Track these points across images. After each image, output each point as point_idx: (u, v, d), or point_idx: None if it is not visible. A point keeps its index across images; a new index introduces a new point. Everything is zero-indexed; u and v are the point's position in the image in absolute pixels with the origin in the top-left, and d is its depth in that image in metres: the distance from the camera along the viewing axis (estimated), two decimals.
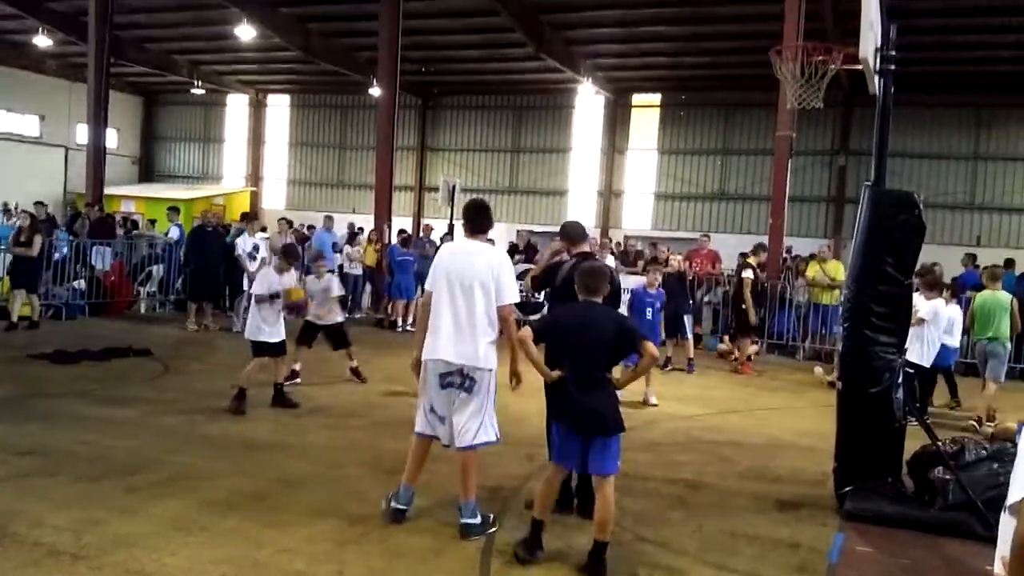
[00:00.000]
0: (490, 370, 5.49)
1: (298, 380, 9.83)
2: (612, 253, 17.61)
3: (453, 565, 4.97)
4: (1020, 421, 7.14)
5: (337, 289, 10.48)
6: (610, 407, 5.01)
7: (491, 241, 6.53)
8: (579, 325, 5.08)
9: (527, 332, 5.11)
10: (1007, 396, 11.23)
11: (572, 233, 6.39)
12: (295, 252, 9.75)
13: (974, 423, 9.95)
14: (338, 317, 10.40)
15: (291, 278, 9.11)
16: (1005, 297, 10.74)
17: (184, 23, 24.56)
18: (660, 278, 11.23)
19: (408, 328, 15.40)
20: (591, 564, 4.92)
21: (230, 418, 8.42)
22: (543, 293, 6.80)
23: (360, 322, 16.43)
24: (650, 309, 10.55)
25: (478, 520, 5.45)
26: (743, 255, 15.99)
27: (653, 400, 10.10)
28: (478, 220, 5.75)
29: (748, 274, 13.82)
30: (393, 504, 5.62)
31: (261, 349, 8.82)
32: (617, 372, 5.71)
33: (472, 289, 5.44)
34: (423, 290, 5.94)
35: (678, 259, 14.92)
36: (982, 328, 10.55)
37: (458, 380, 5.45)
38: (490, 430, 5.55)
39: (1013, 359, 13.31)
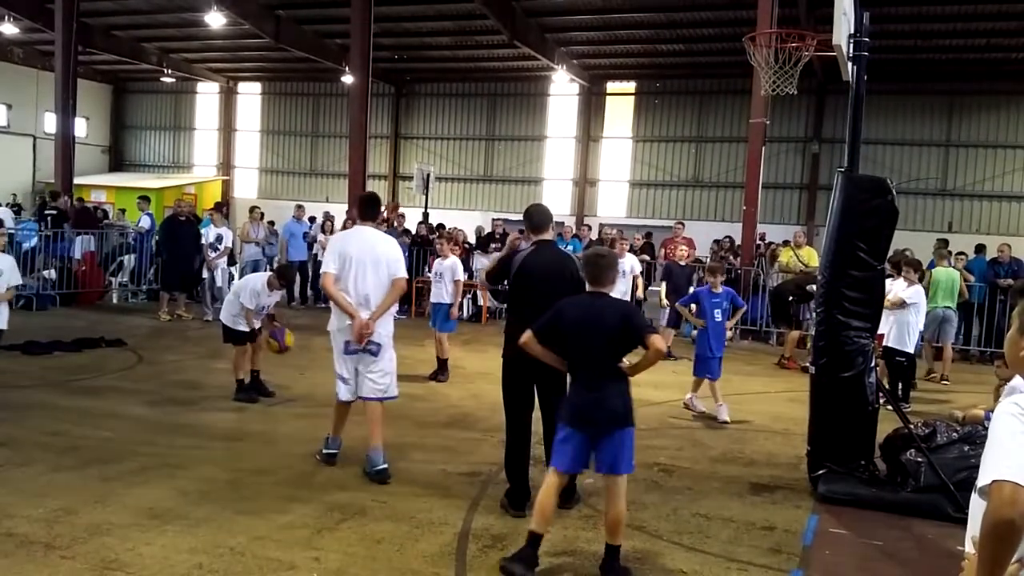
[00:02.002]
0: (389, 334, 6.50)
1: None
2: (632, 249, 16.42)
3: (430, 550, 4.97)
4: (988, 408, 7.25)
5: (12, 274, 8.16)
6: (619, 400, 4.74)
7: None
8: (582, 320, 4.76)
9: (528, 335, 4.90)
10: (977, 379, 11.38)
11: (534, 219, 6.00)
12: (288, 275, 9.15)
13: (945, 382, 11.94)
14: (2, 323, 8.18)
15: (278, 296, 8.95)
16: (955, 272, 12.72)
17: (153, 10, 24.23)
18: (722, 278, 10.01)
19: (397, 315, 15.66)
20: (606, 570, 4.69)
21: (203, 408, 8.38)
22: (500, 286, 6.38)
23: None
24: (718, 311, 9.30)
25: (386, 465, 6.30)
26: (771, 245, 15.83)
27: (724, 416, 8.94)
28: (370, 209, 6.75)
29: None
30: (325, 451, 6.63)
31: (236, 337, 8.77)
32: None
33: (376, 266, 6.36)
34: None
35: (685, 250, 14.53)
36: (944, 298, 12.21)
37: (365, 346, 6.34)
38: (395, 388, 6.60)
39: (984, 342, 14.06)
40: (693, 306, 9.74)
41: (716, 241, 20.05)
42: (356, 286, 6.31)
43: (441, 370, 10.56)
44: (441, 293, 10.72)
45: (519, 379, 5.80)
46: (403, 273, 6.51)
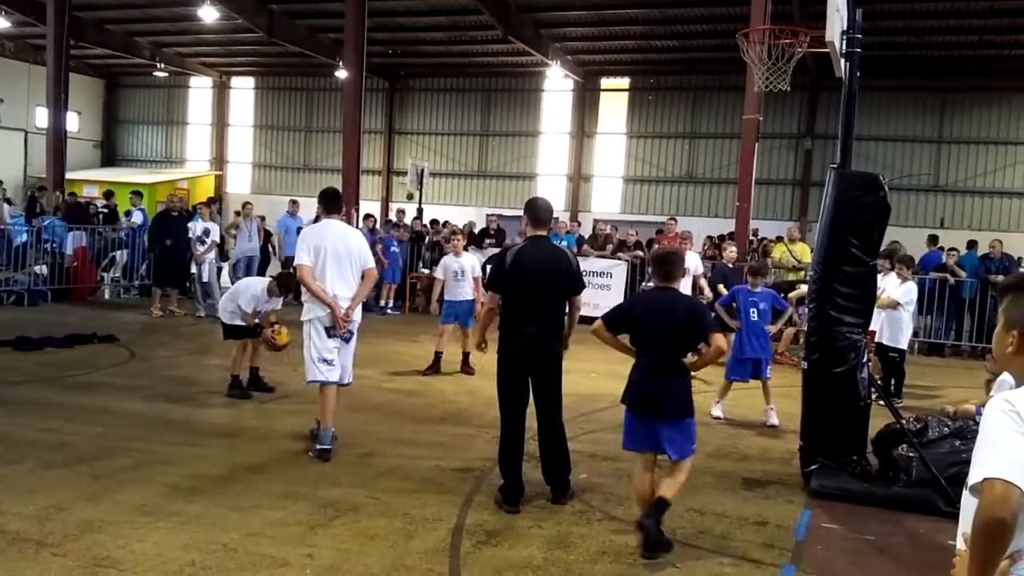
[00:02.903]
0: (358, 322, 6.94)
1: None
2: (627, 246, 17.39)
3: (424, 546, 4.97)
4: (979, 403, 7.28)
5: None
6: (679, 390, 5.03)
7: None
8: (651, 311, 5.08)
9: (598, 323, 5.19)
10: (969, 376, 11.42)
11: (536, 213, 5.97)
12: (289, 284, 8.90)
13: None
14: None
15: (277, 304, 8.85)
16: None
17: (145, 4, 24.08)
18: (765, 280, 9.53)
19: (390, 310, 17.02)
20: (642, 524, 4.93)
21: (196, 404, 8.37)
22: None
23: None
24: (754, 310, 8.99)
25: (331, 446, 6.72)
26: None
27: (773, 420, 8.82)
28: (333, 203, 7.14)
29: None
30: (319, 447, 6.66)
31: (235, 332, 8.74)
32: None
33: (350, 258, 6.77)
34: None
35: (734, 249, 14.27)
36: None
37: (343, 334, 6.79)
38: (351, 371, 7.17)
39: (975, 338, 14.19)
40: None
41: (709, 237, 20.04)
42: (331, 277, 6.70)
43: (464, 363, 10.77)
44: (463, 290, 10.84)
45: (514, 375, 5.80)
46: (372, 263, 7.07)
